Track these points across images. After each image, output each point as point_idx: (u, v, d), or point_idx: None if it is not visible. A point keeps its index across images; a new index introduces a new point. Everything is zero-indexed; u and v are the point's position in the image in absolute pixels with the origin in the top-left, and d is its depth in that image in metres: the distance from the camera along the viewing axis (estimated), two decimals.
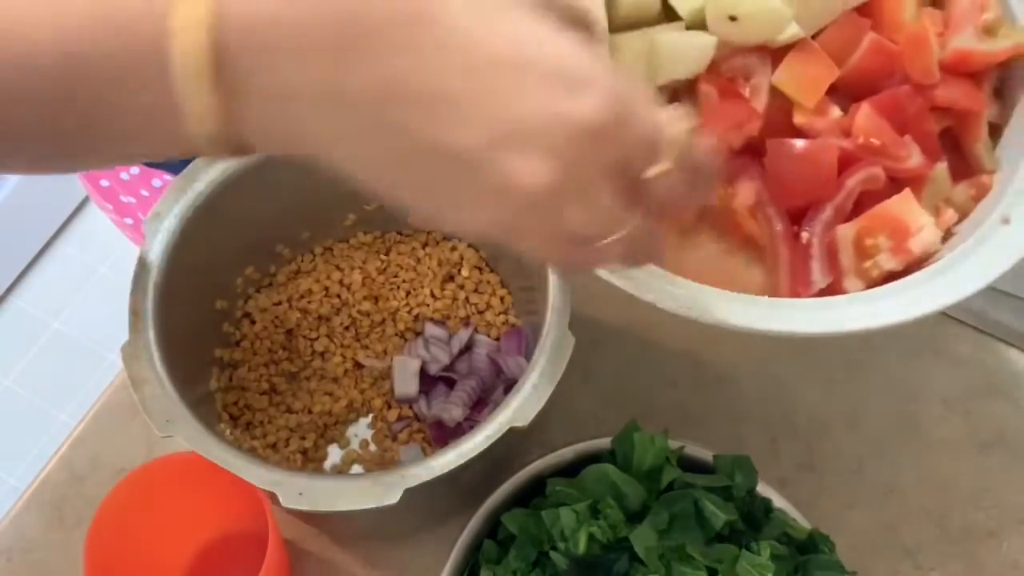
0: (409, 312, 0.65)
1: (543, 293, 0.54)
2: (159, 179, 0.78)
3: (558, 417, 0.61)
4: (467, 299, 0.66)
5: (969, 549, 0.63)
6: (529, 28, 0.34)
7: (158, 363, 0.52)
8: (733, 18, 0.48)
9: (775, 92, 0.50)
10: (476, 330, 0.65)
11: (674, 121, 0.37)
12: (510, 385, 0.58)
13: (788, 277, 0.49)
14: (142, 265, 0.54)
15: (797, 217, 0.50)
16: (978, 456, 0.65)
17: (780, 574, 0.48)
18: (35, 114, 0.33)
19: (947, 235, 0.50)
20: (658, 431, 0.53)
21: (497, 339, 0.65)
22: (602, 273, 0.45)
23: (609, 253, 0.38)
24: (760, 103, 0.50)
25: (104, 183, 0.82)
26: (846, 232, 0.48)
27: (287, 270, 0.66)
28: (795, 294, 0.49)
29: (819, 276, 0.49)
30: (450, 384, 0.63)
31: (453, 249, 0.66)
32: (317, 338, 0.65)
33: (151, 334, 0.52)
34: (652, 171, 0.36)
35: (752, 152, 0.50)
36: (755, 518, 0.52)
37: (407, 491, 0.47)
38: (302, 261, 0.67)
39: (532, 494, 0.54)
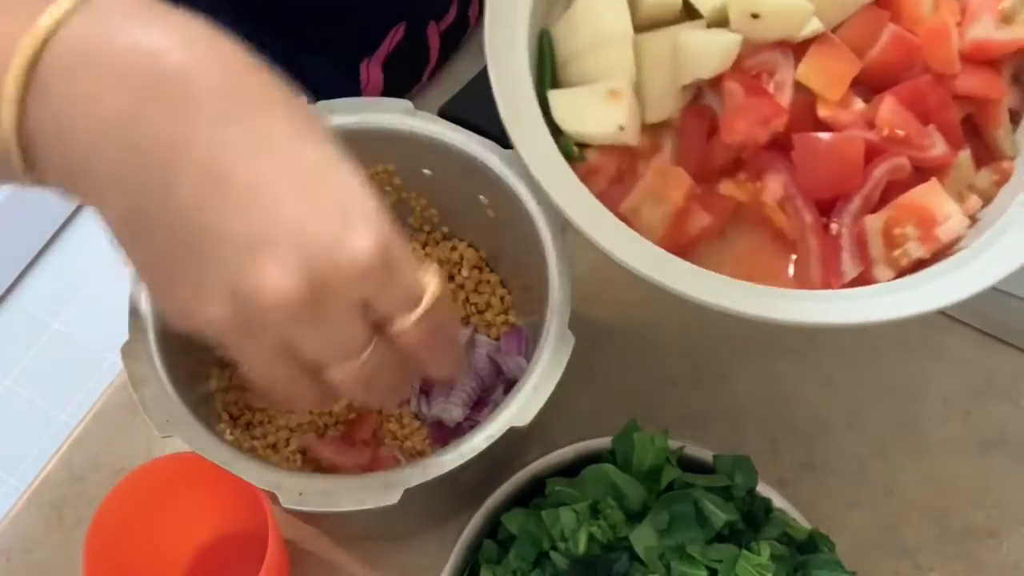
0: None
1: (543, 293, 0.54)
2: None
3: (558, 417, 0.61)
4: (467, 299, 0.66)
5: (969, 549, 0.63)
6: (336, 158, 0.35)
7: (158, 363, 0.52)
8: (755, 15, 0.49)
9: (798, 87, 0.51)
10: (476, 330, 0.65)
11: (430, 278, 0.37)
12: (510, 385, 0.58)
13: (819, 268, 0.50)
14: None
15: (825, 209, 0.51)
16: (978, 456, 0.65)
17: (780, 574, 0.48)
18: None
19: (971, 221, 0.51)
20: (658, 431, 0.53)
21: (497, 339, 0.65)
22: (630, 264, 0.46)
23: (341, 383, 0.37)
24: (785, 98, 0.51)
25: None
26: (875, 222, 0.49)
27: None
28: (827, 285, 0.50)
29: (850, 266, 0.49)
30: (450, 384, 0.63)
31: (453, 249, 0.66)
32: None
33: (151, 334, 0.52)
34: (402, 322, 0.37)
35: (779, 147, 0.51)
36: (755, 518, 0.52)
37: (407, 491, 0.47)
38: None
39: (532, 494, 0.54)
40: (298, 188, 0.33)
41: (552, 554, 0.49)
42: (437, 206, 0.64)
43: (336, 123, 0.58)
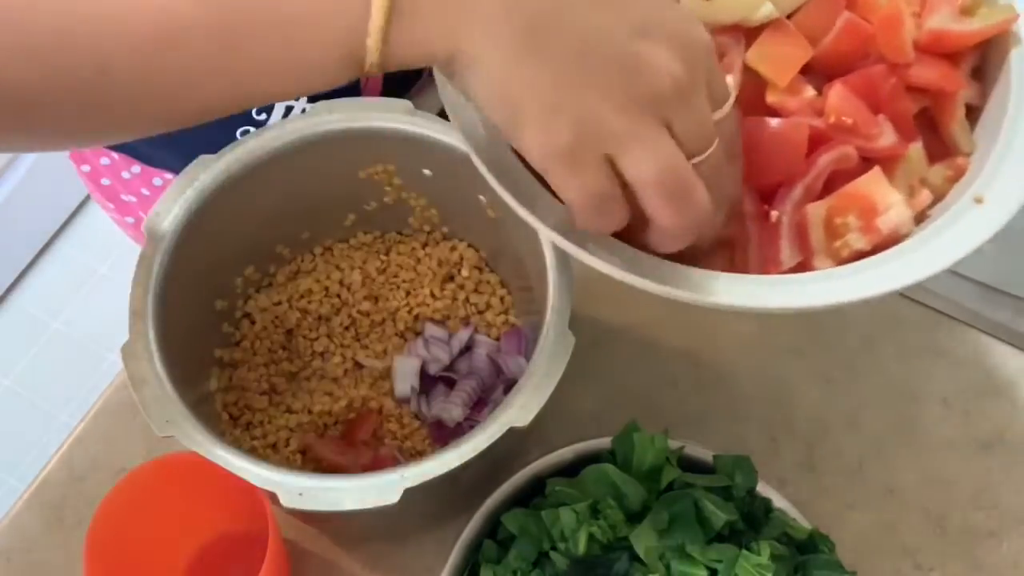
0: (409, 312, 0.65)
1: (543, 293, 0.54)
2: (160, 178, 0.78)
3: (558, 417, 0.61)
4: (467, 299, 0.66)
5: (969, 549, 0.63)
6: None
7: (158, 363, 0.52)
8: None
9: (749, 72, 0.50)
10: (476, 330, 0.65)
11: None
12: (510, 385, 0.58)
13: (758, 256, 0.49)
14: (142, 265, 0.54)
15: (769, 196, 0.50)
16: (978, 456, 0.65)
17: (780, 574, 0.48)
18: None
19: (922, 216, 0.49)
20: (658, 431, 0.53)
21: (497, 339, 0.65)
22: (585, 257, 0.45)
23: (703, 171, 0.41)
24: (733, 82, 0.50)
25: (105, 181, 0.82)
26: (816, 211, 0.48)
27: (287, 270, 0.66)
28: (764, 273, 0.48)
29: (788, 255, 0.48)
30: (450, 384, 0.63)
31: (453, 249, 0.66)
32: (317, 338, 0.65)
33: (151, 334, 0.52)
34: (719, 112, 0.42)
35: None
36: (755, 518, 0.52)
37: (407, 491, 0.47)
38: (302, 261, 0.67)
39: (532, 494, 0.54)
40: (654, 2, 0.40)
41: (552, 554, 0.49)
42: (437, 206, 0.64)
43: (336, 123, 0.58)
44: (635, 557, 0.48)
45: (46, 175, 1.58)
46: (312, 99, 0.70)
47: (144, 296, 0.53)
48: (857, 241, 0.47)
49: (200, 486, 0.56)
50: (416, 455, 0.62)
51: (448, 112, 0.48)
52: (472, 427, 0.51)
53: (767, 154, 0.48)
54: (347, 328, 0.65)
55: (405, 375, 0.63)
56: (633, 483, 0.51)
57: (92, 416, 0.67)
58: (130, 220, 0.86)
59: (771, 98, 0.50)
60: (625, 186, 0.40)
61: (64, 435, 0.67)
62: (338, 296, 0.66)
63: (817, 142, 0.48)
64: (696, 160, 0.40)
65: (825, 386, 0.68)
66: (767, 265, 0.48)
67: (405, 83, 0.76)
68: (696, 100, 0.40)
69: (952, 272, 0.69)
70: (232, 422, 0.62)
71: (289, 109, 0.70)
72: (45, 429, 1.51)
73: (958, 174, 0.50)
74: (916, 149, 0.50)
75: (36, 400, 1.55)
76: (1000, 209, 0.46)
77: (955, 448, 0.66)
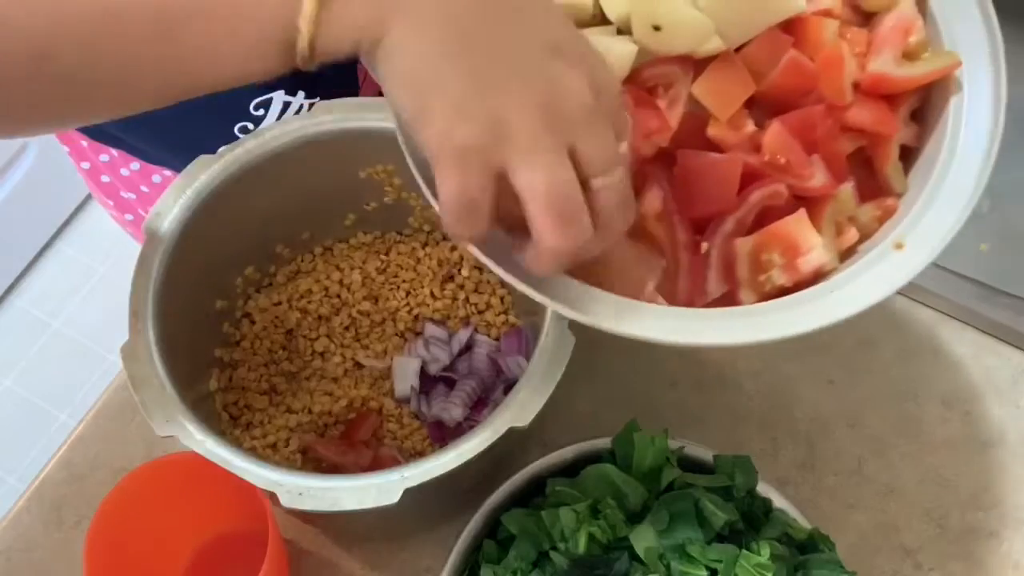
0: (409, 312, 0.65)
1: None
2: (159, 175, 0.78)
3: (558, 417, 0.61)
4: (467, 299, 0.66)
5: (969, 549, 0.63)
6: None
7: (158, 363, 0.52)
8: (657, 27, 0.49)
9: (695, 102, 0.51)
10: (476, 330, 0.65)
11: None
12: (510, 385, 0.58)
13: (687, 285, 0.50)
14: (142, 265, 0.54)
15: (702, 228, 0.51)
16: (978, 456, 0.65)
17: (780, 574, 0.48)
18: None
19: (849, 253, 0.51)
20: (658, 431, 0.53)
21: (497, 339, 0.65)
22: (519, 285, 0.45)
23: (604, 190, 0.41)
24: (676, 113, 0.51)
25: (104, 178, 0.82)
26: (744, 245, 0.49)
27: (287, 270, 0.66)
28: (690, 302, 0.50)
29: (714, 286, 0.50)
30: (450, 384, 0.63)
31: (453, 249, 0.66)
32: (317, 338, 0.65)
33: (151, 334, 0.52)
34: (622, 145, 0.43)
35: (664, 160, 0.51)
36: (755, 518, 0.53)
37: (407, 491, 0.47)
38: (302, 261, 0.67)
39: (532, 494, 0.54)
40: (569, 26, 0.42)
41: (552, 554, 0.49)
42: None
43: (336, 123, 0.58)
44: (635, 557, 0.48)
45: (46, 175, 1.58)
46: (311, 98, 0.70)
47: (144, 296, 0.53)
48: (779, 277, 0.49)
49: (200, 486, 0.56)
50: (416, 455, 0.62)
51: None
52: (472, 427, 0.51)
53: (702, 186, 0.50)
54: (347, 328, 0.65)
55: (405, 375, 0.63)
56: (633, 483, 0.51)
57: (92, 416, 0.67)
58: (129, 217, 0.85)
59: (712, 131, 0.51)
60: (516, 204, 0.41)
61: (64, 435, 0.67)
62: (338, 296, 0.66)
63: (751, 178, 0.49)
64: (599, 183, 0.41)
65: (825, 386, 0.68)
66: (694, 294, 0.49)
67: None
68: (600, 126, 0.40)
69: (952, 272, 0.69)
70: (232, 422, 0.62)
71: (286, 106, 0.70)
72: (45, 429, 1.51)
73: (887, 214, 0.51)
74: (846, 190, 0.51)
75: (36, 400, 1.55)
76: (918, 256, 0.47)
77: (955, 448, 0.66)
